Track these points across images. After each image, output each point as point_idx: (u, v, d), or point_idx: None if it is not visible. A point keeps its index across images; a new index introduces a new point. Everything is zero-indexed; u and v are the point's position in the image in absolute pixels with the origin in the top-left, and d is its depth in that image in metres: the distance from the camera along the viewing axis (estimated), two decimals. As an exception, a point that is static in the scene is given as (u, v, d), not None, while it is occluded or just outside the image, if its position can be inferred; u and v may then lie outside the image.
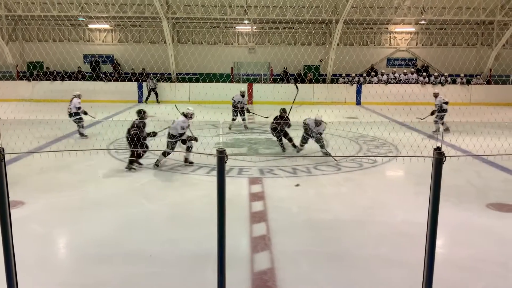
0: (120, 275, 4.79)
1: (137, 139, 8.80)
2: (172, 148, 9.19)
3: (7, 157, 2.22)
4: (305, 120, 10.26)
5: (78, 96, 13.09)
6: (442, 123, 13.34)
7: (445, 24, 22.81)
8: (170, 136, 9.25)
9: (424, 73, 23.02)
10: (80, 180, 8.33)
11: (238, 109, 13.99)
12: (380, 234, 5.91)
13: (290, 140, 10.79)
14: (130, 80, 22.16)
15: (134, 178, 8.56)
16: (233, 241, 5.10)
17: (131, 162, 9.07)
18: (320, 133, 10.10)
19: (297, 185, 7.40)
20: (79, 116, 12.78)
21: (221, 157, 3.18)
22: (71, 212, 6.63)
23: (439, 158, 3.21)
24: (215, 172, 3.36)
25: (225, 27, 23.23)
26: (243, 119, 14.10)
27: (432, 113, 13.36)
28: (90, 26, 22.85)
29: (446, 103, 13.45)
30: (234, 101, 14.08)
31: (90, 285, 4.59)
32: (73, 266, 5.10)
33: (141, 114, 9.31)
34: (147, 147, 9.25)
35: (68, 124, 12.95)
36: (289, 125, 10.70)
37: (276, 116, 10.81)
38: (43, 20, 21.82)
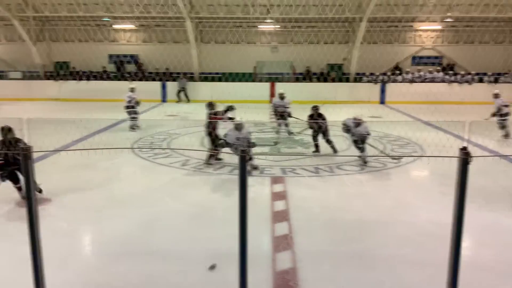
0: (142, 273, 4.85)
1: (214, 134, 8.93)
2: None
3: (34, 155, 2.27)
4: (344, 121, 9.66)
5: (132, 90, 13.59)
6: (503, 127, 12.48)
7: (472, 21, 22.33)
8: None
9: (450, 72, 22.59)
10: (105, 178, 8.47)
11: (279, 113, 12.85)
12: (403, 235, 5.83)
13: (329, 142, 10.21)
14: (153, 79, 22.41)
15: (157, 177, 8.65)
16: (255, 240, 5.10)
17: (211, 156, 9.22)
18: (364, 135, 9.29)
19: (212, 267, 4.98)
20: (130, 110, 13.44)
21: (243, 156, 3.19)
22: (96, 210, 6.75)
23: (465, 158, 3.15)
24: (237, 171, 3.37)
25: (248, 26, 23.26)
26: (286, 125, 12.73)
27: (494, 115, 12.69)
28: (115, 26, 23.19)
29: (507, 106, 12.60)
30: (274, 105, 13.06)
31: (113, 283, 4.66)
32: (97, 264, 5.18)
33: (213, 106, 9.50)
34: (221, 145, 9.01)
35: (94, 123, 13.18)
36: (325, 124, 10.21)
37: (312, 114, 10.40)
38: (69, 20, 22.28)
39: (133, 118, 13.44)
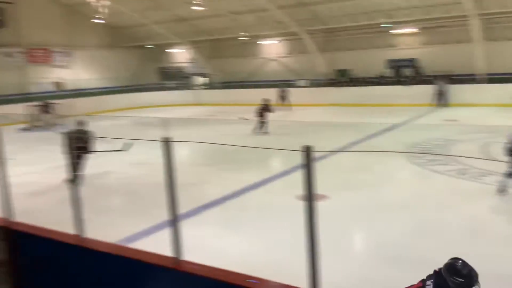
0: (407, 280, 4.77)
1: None
2: None
3: (316, 155, 2.57)
4: None
5: None
6: None
7: None
8: None
9: None
10: (378, 180, 8.67)
11: None
12: None
13: None
14: (431, 83, 21.50)
15: (431, 184, 8.36)
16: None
17: None
18: None
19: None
20: None
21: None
22: (367, 211, 6.98)
23: None
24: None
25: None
26: None
27: None
28: (394, 31, 23.18)
29: None
30: None
31: (379, 283, 4.75)
32: (366, 262, 5.39)
33: None
34: None
35: (369, 127, 13.59)
36: None
37: None
38: (351, 30, 23.53)
39: None
